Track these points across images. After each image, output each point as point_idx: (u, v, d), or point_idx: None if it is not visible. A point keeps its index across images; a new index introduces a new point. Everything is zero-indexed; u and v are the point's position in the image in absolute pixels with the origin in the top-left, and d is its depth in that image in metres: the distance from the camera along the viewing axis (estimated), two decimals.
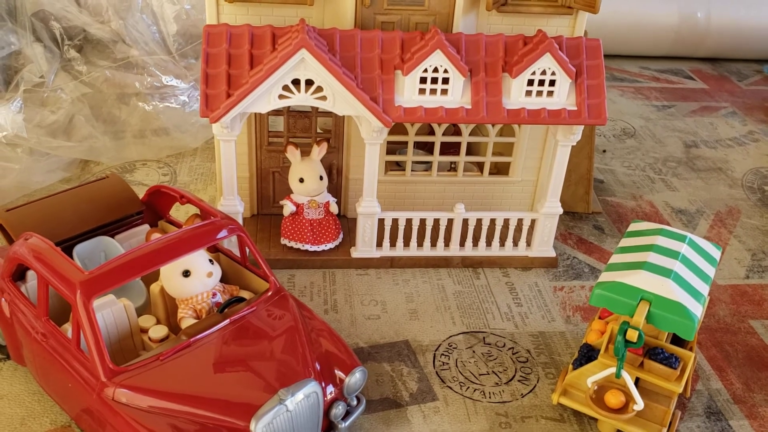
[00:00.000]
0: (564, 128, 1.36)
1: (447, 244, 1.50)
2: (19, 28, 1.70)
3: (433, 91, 1.28)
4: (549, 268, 1.53)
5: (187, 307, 1.12)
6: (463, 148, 1.52)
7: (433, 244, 1.50)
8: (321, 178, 1.45)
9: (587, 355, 1.14)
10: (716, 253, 1.16)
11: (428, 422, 1.14)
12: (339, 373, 1.06)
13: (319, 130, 1.54)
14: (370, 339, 1.30)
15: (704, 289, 1.08)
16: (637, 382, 1.09)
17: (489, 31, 1.38)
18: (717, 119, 2.32)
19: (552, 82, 1.28)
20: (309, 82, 1.24)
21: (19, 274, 1.14)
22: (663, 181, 1.91)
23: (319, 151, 1.44)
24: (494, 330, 1.35)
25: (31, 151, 1.63)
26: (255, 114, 1.46)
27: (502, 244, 1.51)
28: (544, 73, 1.27)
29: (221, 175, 1.37)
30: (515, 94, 1.29)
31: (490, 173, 1.58)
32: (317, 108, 1.47)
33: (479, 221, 1.50)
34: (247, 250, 1.18)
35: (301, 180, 1.44)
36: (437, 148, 1.52)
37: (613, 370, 1.07)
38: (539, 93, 1.29)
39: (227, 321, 1.07)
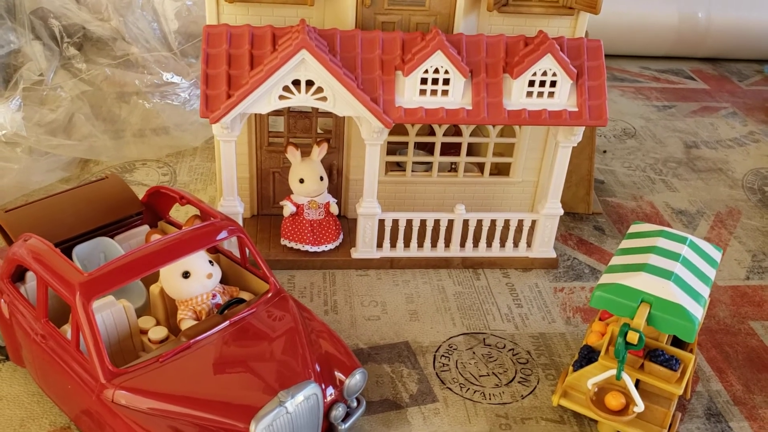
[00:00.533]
0: (565, 129, 1.35)
1: (447, 244, 1.50)
2: (18, 26, 1.69)
3: (433, 92, 1.27)
4: (549, 269, 1.53)
5: (186, 309, 1.12)
6: (464, 149, 1.52)
7: (434, 244, 1.50)
8: (321, 178, 1.45)
9: (587, 356, 1.14)
10: (717, 255, 1.16)
11: (428, 424, 1.14)
12: (339, 375, 1.06)
13: (319, 131, 1.54)
14: (370, 340, 1.30)
15: (705, 291, 1.08)
16: (637, 383, 1.09)
17: (490, 32, 1.37)
18: (717, 119, 2.32)
19: (553, 83, 1.28)
20: (309, 83, 1.24)
21: (18, 275, 1.13)
22: (663, 181, 1.91)
23: (319, 152, 1.44)
24: (494, 331, 1.34)
25: (30, 151, 1.62)
26: (255, 114, 1.46)
27: (503, 244, 1.51)
28: (545, 74, 1.27)
29: (221, 175, 1.37)
30: (516, 95, 1.28)
31: (491, 174, 1.58)
32: (318, 108, 1.46)
33: (480, 222, 1.49)
34: (247, 251, 1.17)
35: (302, 180, 1.43)
36: (438, 149, 1.52)
37: (613, 372, 1.07)
38: (540, 94, 1.29)
39: (227, 322, 1.06)
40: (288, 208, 1.46)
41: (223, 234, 1.12)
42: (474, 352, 1.29)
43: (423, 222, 1.49)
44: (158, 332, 1.10)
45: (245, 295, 1.17)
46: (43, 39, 1.70)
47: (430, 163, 1.56)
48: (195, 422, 0.95)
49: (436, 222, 1.49)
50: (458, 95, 1.28)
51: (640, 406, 1.05)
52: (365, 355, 1.26)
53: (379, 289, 1.43)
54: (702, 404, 1.22)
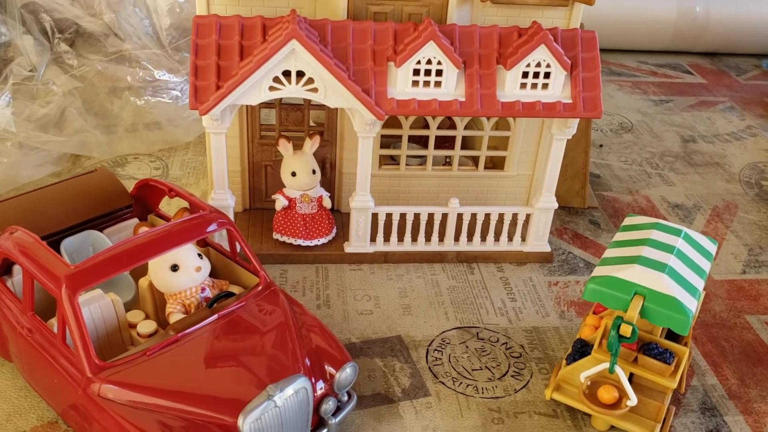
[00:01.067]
0: (559, 121, 1.34)
1: (441, 239, 1.49)
2: (9, 18, 1.68)
3: (426, 84, 1.26)
4: (544, 263, 1.52)
5: (175, 302, 1.10)
6: (458, 142, 1.51)
7: (428, 239, 1.49)
8: (314, 172, 1.43)
9: (581, 350, 1.13)
10: (712, 248, 1.15)
11: (420, 418, 1.13)
12: (329, 369, 1.04)
13: (312, 123, 1.52)
14: (363, 334, 1.29)
15: (699, 283, 1.07)
16: (631, 377, 1.08)
17: (484, 23, 1.36)
18: (715, 114, 2.31)
19: (547, 75, 1.26)
20: (300, 74, 1.23)
21: (5, 268, 1.12)
22: (660, 175, 1.90)
23: (311, 145, 1.42)
24: (488, 325, 1.33)
25: (21, 145, 1.61)
26: (247, 107, 1.44)
27: (497, 239, 1.50)
28: (538, 65, 1.25)
29: (212, 168, 1.36)
30: (510, 86, 1.27)
31: (486, 167, 1.57)
32: (310, 101, 1.45)
33: (474, 216, 1.48)
34: (238, 244, 1.16)
35: (294, 174, 1.42)
36: (432, 142, 1.50)
37: (606, 365, 1.05)
38: (534, 85, 1.27)
39: (216, 316, 1.05)
40: (280, 202, 1.44)
41: (212, 227, 1.11)
42: (467, 346, 1.28)
43: (417, 216, 1.48)
44: (147, 326, 1.09)
45: (235, 289, 1.16)
46: (34, 34, 1.68)
47: (424, 157, 1.55)
48: (182, 416, 0.94)
49: (430, 216, 1.48)
50: (451, 86, 1.26)
51: (633, 399, 1.04)
52: (357, 349, 1.25)
53: (372, 283, 1.42)
54: (697, 398, 1.21)
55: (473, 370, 1.23)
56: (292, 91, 1.24)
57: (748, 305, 1.44)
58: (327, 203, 1.47)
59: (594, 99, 1.30)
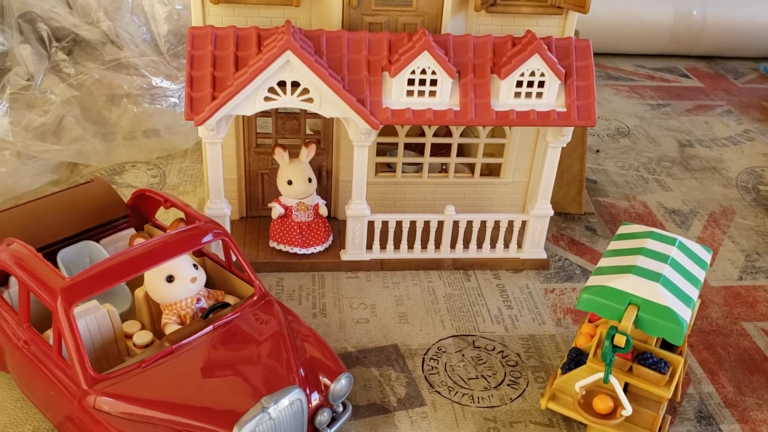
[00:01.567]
0: (554, 129, 1.34)
1: (438, 246, 1.49)
2: (6, 27, 1.68)
3: (421, 93, 1.26)
4: (540, 270, 1.52)
5: (171, 313, 1.11)
6: (454, 150, 1.51)
7: (424, 246, 1.49)
8: (310, 180, 1.44)
9: (576, 359, 1.13)
10: (707, 256, 1.15)
11: (416, 428, 1.13)
12: (324, 380, 1.05)
13: (308, 131, 1.53)
14: (359, 343, 1.29)
15: (694, 293, 1.07)
16: (626, 387, 1.08)
17: (478, 32, 1.36)
18: (712, 118, 2.31)
19: (541, 84, 1.27)
20: (295, 84, 1.23)
21: (1, 279, 1.12)
22: (657, 181, 1.90)
23: (307, 153, 1.43)
24: (484, 333, 1.33)
25: (19, 154, 1.61)
26: (243, 116, 1.45)
27: (493, 246, 1.50)
28: (533, 74, 1.26)
29: (208, 177, 1.36)
30: (504, 95, 1.27)
31: (481, 174, 1.57)
32: (306, 109, 1.45)
33: (470, 223, 1.48)
34: (233, 254, 1.16)
35: (290, 182, 1.42)
36: (428, 150, 1.51)
37: (601, 375, 1.06)
38: (528, 94, 1.28)
39: (211, 327, 1.05)
40: (276, 210, 1.45)
41: (208, 237, 1.11)
42: (463, 355, 1.28)
43: (413, 223, 1.48)
44: (143, 336, 1.09)
45: (230, 299, 1.16)
46: (31, 43, 1.69)
47: (420, 164, 1.55)
48: (178, 428, 0.94)
49: (426, 223, 1.48)
50: (446, 96, 1.27)
51: (627, 409, 1.04)
52: (353, 358, 1.25)
53: (368, 291, 1.42)
54: (693, 406, 1.21)
55: (469, 379, 1.23)
56: (287, 102, 1.24)
57: (744, 312, 1.44)
58: (323, 211, 1.47)
59: (588, 107, 1.30)
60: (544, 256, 1.51)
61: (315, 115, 1.45)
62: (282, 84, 1.23)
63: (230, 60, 1.24)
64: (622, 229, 1.19)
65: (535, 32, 1.30)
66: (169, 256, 1.06)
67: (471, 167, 1.57)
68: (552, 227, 1.63)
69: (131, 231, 1.28)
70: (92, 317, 1.08)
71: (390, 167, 1.58)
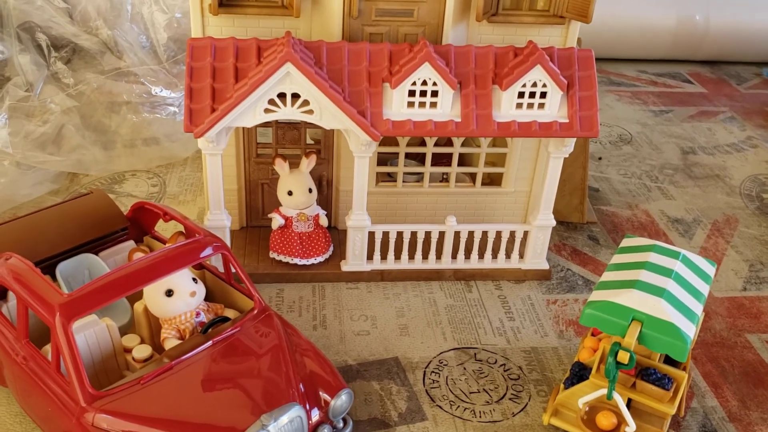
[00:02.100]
0: (556, 140, 1.33)
1: (439, 256, 1.48)
2: (6, 36, 1.68)
3: (422, 104, 1.25)
4: (542, 281, 1.51)
5: (170, 327, 1.10)
6: (455, 159, 1.50)
7: (425, 256, 1.48)
8: (310, 190, 1.43)
9: (579, 374, 1.12)
10: (711, 270, 1.14)
11: None
12: (324, 396, 1.04)
13: (309, 141, 1.52)
14: (359, 356, 1.28)
15: (698, 308, 1.06)
16: (629, 402, 1.07)
17: (480, 42, 1.35)
18: (715, 124, 2.29)
19: (543, 95, 1.26)
20: (295, 96, 1.22)
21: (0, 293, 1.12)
22: (659, 189, 1.89)
23: (308, 164, 1.42)
24: (486, 346, 1.32)
25: (18, 164, 1.61)
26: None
27: (495, 256, 1.49)
28: (534, 85, 1.25)
29: (208, 188, 1.35)
30: (506, 106, 1.26)
31: (483, 184, 1.56)
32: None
33: (471, 233, 1.47)
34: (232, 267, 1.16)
35: (290, 193, 1.42)
36: (429, 159, 1.50)
37: (604, 391, 1.05)
38: (530, 105, 1.27)
39: (210, 342, 1.05)
40: (276, 221, 1.44)
41: (207, 251, 1.10)
42: (465, 368, 1.27)
43: (414, 234, 1.47)
44: (142, 351, 1.09)
45: (230, 313, 1.15)
46: (30, 53, 1.68)
47: (421, 174, 1.54)
48: None
49: (428, 233, 1.47)
50: (447, 107, 1.26)
51: (631, 426, 1.03)
52: (354, 371, 1.24)
53: (369, 302, 1.41)
54: (697, 421, 1.19)
55: (471, 392, 1.22)
56: (288, 114, 1.23)
57: (748, 323, 1.43)
58: (323, 221, 1.47)
59: (591, 118, 1.29)
60: (546, 266, 1.50)
61: (315, 125, 1.44)
62: (282, 96, 1.22)
63: (230, 71, 1.23)
64: (626, 242, 1.18)
65: (537, 42, 1.29)
66: (169, 270, 1.05)
67: (472, 177, 1.56)
68: (554, 236, 1.62)
69: (131, 243, 1.27)
70: (91, 332, 1.07)
71: (391, 177, 1.57)
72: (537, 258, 1.49)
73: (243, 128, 1.46)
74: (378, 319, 1.37)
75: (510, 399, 1.21)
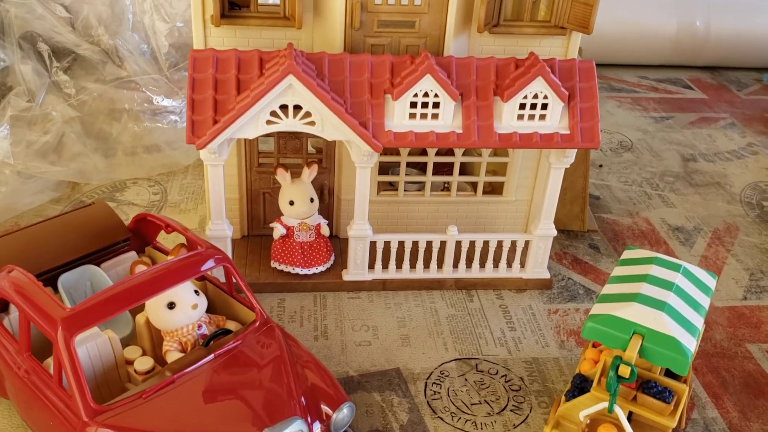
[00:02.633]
0: (557, 151, 1.34)
1: (440, 266, 1.48)
2: (7, 44, 1.68)
3: (423, 116, 1.26)
4: (543, 290, 1.51)
5: (172, 340, 1.10)
6: (456, 168, 1.50)
7: (426, 266, 1.48)
8: (311, 200, 1.43)
9: (580, 386, 1.12)
10: (711, 282, 1.14)
11: None
12: (326, 409, 1.04)
13: (311, 149, 1.52)
14: (361, 367, 1.28)
15: (698, 321, 1.06)
16: (630, 415, 1.07)
17: (481, 53, 1.36)
18: (716, 131, 2.30)
19: (544, 106, 1.26)
20: (297, 107, 1.22)
21: (1, 306, 1.12)
22: (660, 196, 1.89)
23: (309, 174, 1.42)
24: (487, 356, 1.33)
25: (19, 172, 1.61)
26: None
27: (496, 265, 1.49)
28: (536, 96, 1.25)
29: (210, 199, 1.35)
30: (507, 118, 1.26)
31: (484, 193, 1.56)
32: None
33: (473, 242, 1.47)
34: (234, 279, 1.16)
35: (292, 203, 1.42)
36: (430, 168, 1.50)
37: (605, 404, 1.05)
38: (531, 117, 1.27)
39: (212, 356, 1.05)
40: (278, 231, 1.44)
41: (209, 264, 1.10)
42: (466, 379, 1.27)
43: (415, 243, 1.48)
44: (144, 363, 1.09)
45: (231, 325, 1.15)
46: (32, 62, 1.68)
47: (422, 183, 1.54)
48: None
49: (429, 243, 1.47)
50: (448, 119, 1.26)
51: None
52: (355, 383, 1.24)
53: (370, 312, 1.41)
54: None
55: (472, 404, 1.22)
56: (290, 125, 1.23)
57: (749, 333, 1.43)
58: (325, 231, 1.47)
59: (592, 129, 1.29)
60: (547, 275, 1.50)
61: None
62: (284, 107, 1.22)
63: (232, 83, 1.23)
64: (627, 254, 1.18)
65: (538, 53, 1.30)
66: (171, 284, 1.05)
67: (473, 185, 1.57)
68: (555, 245, 1.62)
69: (132, 254, 1.27)
70: (93, 344, 1.07)
71: (392, 186, 1.57)
72: (538, 267, 1.49)
73: (244, 138, 1.46)
74: (379, 329, 1.37)
75: (511, 410, 1.21)
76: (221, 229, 1.36)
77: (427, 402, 1.22)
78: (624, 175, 1.98)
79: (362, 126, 1.24)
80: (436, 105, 1.25)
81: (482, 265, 1.50)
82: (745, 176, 2.02)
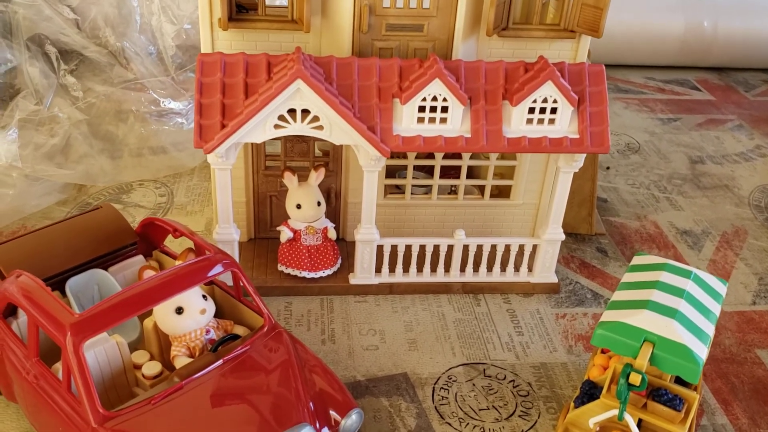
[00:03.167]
0: (566, 155, 1.33)
1: (447, 269, 1.48)
2: (15, 45, 1.68)
3: (432, 120, 1.25)
4: (551, 294, 1.50)
5: (180, 345, 1.10)
6: (464, 171, 1.50)
7: (433, 269, 1.48)
8: (319, 203, 1.43)
9: (589, 392, 1.12)
10: (722, 289, 1.13)
11: None
12: (334, 414, 1.04)
13: (318, 152, 1.52)
14: (368, 371, 1.28)
15: (709, 329, 1.05)
16: (640, 423, 1.06)
17: (490, 56, 1.35)
18: (723, 133, 2.28)
19: (553, 110, 1.25)
20: (305, 112, 1.22)
21: (9, 309, 1.12)
22: (668, 199, 1.88)
23: (317, 177, 1.42)
24: (495, 361, 1.32)
25: (27, 175, 1.61)
26: None
27: (503, 269, 1.49)
28: (545, 101, 1.24)
29: (217, 203, 1.35)
30: (516, 122, 1.26)
31: (492, 196, 1.56)
32: None
33: (480, 246, 1.47)
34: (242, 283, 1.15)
35: (299, 206, 1.41)
36: (437, 171, 1.49)
37: (615, 411, 1.04)
38: (540, 121, 1.26)
39: (220, 361, 1.04)
40: (285, 234, 1.44)
41: (217, 269, 1.10)
42: (474, 384, 1.26)
43: (422, 247, 1.47)
44: (152, 367, 1.09)
45: (239, 330, 1.15)
46: (39, 64, 1.68)
47: (429, 186, 1.54)
48: None
49: (436, 246, 1.47)
50: (457, 123, 1.25)
51: None
52: (363, 387, 1.24)
53: (377, 316, 1.41)
54: None
55: (480, 409, 1.21)
56: (297, 130, 1.23)
57: (758, 338, 1.42)
58: (332, 235, 1.46)
59: (601, 133, 1.28)
60: (555, 279, 1.50)
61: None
62: (292, 111, 1.21)
63: (240, 87, 1.23)
64: (637, 260, 1.18)
65: (547, 56, 1.29)
66: (179, 289, 1.05)
67: (481, 189, 1.56)
68: (563, 248, 1.62)
69: (140, 258, 1.27)
70: (101, 349, 1.07)
71: (399, 189, 1.56)
72: (546, 272, 1.48)
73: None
74: (386, 333, 1.37)
75: (519, 416, 1.21)
76: (228, 232, 1.36)
77: (435, 407, 1.21)
78: (631, 178, 1.97)
79: (370, 130, 1.23)
80: (444, 109, 1.24)
81: (489, 269, 1.49)
82: (754, 179, 2.01)
